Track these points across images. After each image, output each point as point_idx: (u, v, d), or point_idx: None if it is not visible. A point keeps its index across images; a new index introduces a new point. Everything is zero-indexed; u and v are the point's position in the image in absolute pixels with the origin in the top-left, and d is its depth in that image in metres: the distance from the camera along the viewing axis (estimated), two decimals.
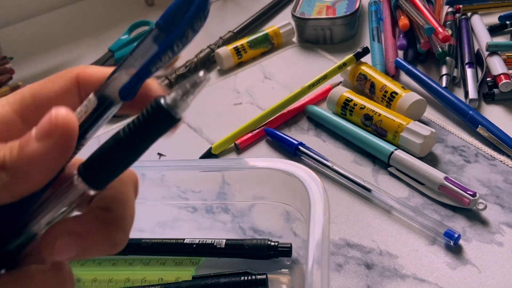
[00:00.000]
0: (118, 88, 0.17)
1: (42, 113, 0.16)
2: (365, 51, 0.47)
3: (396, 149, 0.38)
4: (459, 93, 0.45)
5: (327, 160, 0.40)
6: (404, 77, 0.48)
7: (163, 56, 0.16)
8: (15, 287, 0.17)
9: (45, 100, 0.18)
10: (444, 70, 0.46)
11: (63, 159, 0.16)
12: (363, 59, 0.47)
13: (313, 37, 0.56)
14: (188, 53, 0.58)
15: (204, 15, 0.17)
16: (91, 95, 0.18)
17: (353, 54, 0.47)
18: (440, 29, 0.46)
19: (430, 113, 0.44)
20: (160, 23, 0.16)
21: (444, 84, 0.45)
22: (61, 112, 0.16)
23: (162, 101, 0.15)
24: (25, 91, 0.19)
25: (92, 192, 0.17)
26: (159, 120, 0.16)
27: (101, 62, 0.59)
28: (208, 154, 0.44)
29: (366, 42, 0.55)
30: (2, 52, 0.63)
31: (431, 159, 0.39)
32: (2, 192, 0.16)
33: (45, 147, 0.16)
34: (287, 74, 0.53)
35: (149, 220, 0.39)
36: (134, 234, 0.36)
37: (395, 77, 0.48)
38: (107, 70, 0.19)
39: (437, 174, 0.36)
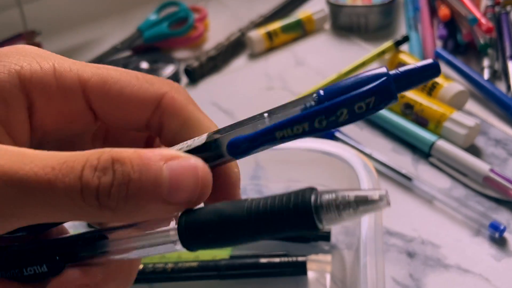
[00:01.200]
0: (229, 139, 0.15)
1: (110, 104, 0.16)
2: (405, 39, 0.46)
3: (438, 139, 0.38)
4: (500, 87, 0.44)
5: (366, 148, 0.39)
6: (442, 68, 0.47)
7: (298, 125, 0.14)
8: None
9: (122, 98, 0.16)
10: (485, 63, 0.45)
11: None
12: (401, 48, 0.46)
13: (347, 25, 0.55)
14: (218, 36, 0.57)
15: (378, 102, 0.13)
16: (205, 134, 0.16)
17: (392, 42, 0.46)
18: (483, 20, 0.45)
19: (471, 106, 0.43)
20: (321, 94, 0.14)
21: (486, 77, 0.44)
22: (207, 176, 0.14)
23: (312, 198, 0.12)
24: (110, 75, 0.17)
25: (178, 248, 0.15)
26: (296, 218, 0.13)
27: (130, 41, 0.58)
28: None
29: (401, 31, 0.54)
30: (29, 26, 0.62)
31: (474, 152, 0.38)
32: (88, 217, 0.15)
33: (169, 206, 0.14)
34: (320, 61, 0.52)
35: None
36: None
37: None
38: (192, 111, 0.17)
39: (482, 166, 0.35)
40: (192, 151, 0.16)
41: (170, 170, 0.14)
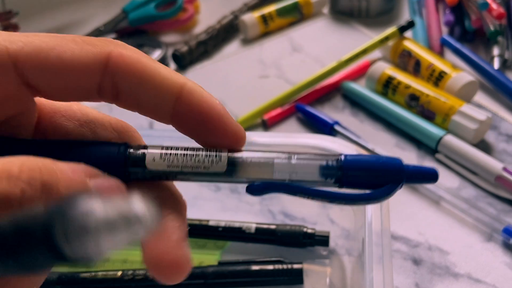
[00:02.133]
0: (252, 181, 0.15)
1: (50, 75, 0.14)
2: (410, 24, 0.42)
3: (446, 134, 0.35)
4: (511, 77, 0.41)
5: (367, 143, 0.36)
6: (449, 56, 0.44)
7: (317, 198, 0.16)
8: None
9: (63, 65, 0.14)
10: (495, 51, 0.42)
11: None
12: (405, 35, 0.43)
13: (347, 9, 0.52)
14: (209, 19, 0.54)
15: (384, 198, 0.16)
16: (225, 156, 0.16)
17: (397, 27, 0.42)
18: (494, 5, 0.42)
19: (480, 97, 0.40)
20: (344, 160, 0.15)
21: (496, 66, 0.41)
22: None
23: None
24: (44, 42, 0.14)
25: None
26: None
27: (114, 23, 0.54)
28: None
29: (405, 16, 0.51)
30: (7, 6, 0.58)
31: (483, 148, 0.35)
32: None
33: None
34: (318, 47, 0.49)
35: None
36: None
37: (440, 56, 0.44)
38: (147, 64, 0.15)
39: (494, 164, 0.32)
40: (205, 174, 0.16)
41: (95, 186, 0.13)
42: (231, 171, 0.15)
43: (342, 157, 0.15)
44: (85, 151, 0.15)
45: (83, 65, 0.14)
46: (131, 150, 0.15)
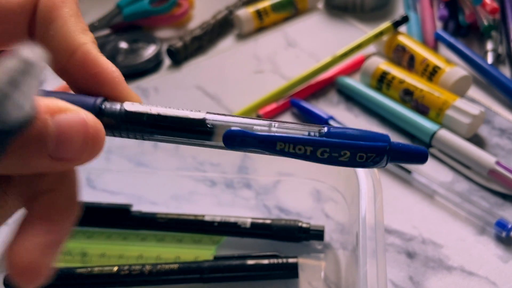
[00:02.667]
0: (225, 130, 0.15)
1: None
2: (405, 19, 0.42)
3: (439, 128, 0.35)
4: (505, 71, 0.42)
5: None
6: (443, 50, 0.44)
7: (301, 146, 0.15)
8: None
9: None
10: (489, 46, 0.42)
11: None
12: (399, 30, 0.43)
13: (341, 4, 0.52)
14: (204, 14, 0.53)
15: (376, 160, 0.15)
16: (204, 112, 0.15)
17: (391, 22, 0.42)
18: (487, 0, 0.42)
19: (474, 92, 0.40)
20: (327, 131, 0.15)
21: (490, 61, 0.41)
22: (98, 132, 0.13)
23: None
24: None
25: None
26: None
27: (108, 18, 0.54)
28: None
29: (399, 11, 0.51)
30: None
31: (477, 142, 0.35)
32: None
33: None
34: (313, 43, 0.49)
35: (163, 192, 0.36)
36: (146, 207, 0.33)
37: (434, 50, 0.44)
38: (62, 14, 0.15)
39: (487, 158, 0.32)
40: (182, 121, 0.15)
41: (57, 125, 0.13)
42: (210, 133, 0.15)
43: (325, 129, 0.15)
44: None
45: (8, 10, 0.15)
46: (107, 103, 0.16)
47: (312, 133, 0.15)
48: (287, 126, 0.15)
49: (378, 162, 0.15)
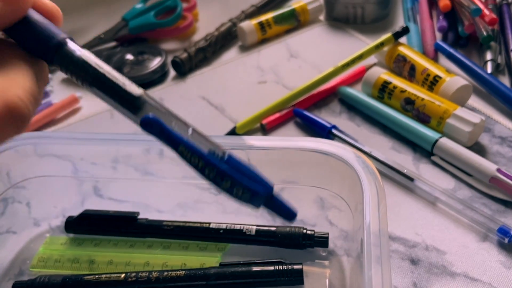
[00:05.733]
0: (145, 113, 0.17)
1: None
2: (405, 30, 0.43)
3: (441, 137, 0.35)
4: (504, 81, 0.42)
5: (364, 146, 0.37)
6: (443, 61, 0.45)
7: (195, 158, 0.17)
8: None
9: None
10: (488, 56, 0.43)
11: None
12: (400, 41, 0.44)
13: (343, 16, 0.53)
14: (208, 26, 0.55)
15: (249, 198, 0.18)
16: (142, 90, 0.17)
17: (391, 33, 0.43)
18: (486, 11, 0.43)
19: (473, 101, 0.41)
20: (229, 158, 0.17)
21: (489, 70, 0.42)
22: None
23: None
24: None
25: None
26: None
27: (114, 31, 0.55)
28: (232, 134, 0.41)
29: (400, 23, 0.52)
30: None
31: (478, 150, 0.36)
32: None
33: None
34: (315, 54, 0.50)
35: (169, 200, 0.36)
36: (152, 214, 0.34)
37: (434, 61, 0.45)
38: None
39: (488, 165, 0.33)
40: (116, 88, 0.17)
41: None
42: (138, 107, 0.17)
43: (226, 156, 0.17)
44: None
45: None
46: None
47: (215, 153, 0.17)
48: (200, 137, 0.17)
49: (250, 201, 0.17)
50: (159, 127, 0.17)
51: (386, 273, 0.22)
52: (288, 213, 0.18)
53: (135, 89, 0.18)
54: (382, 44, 0.43)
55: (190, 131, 0.17)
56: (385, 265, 0.22)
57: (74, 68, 0.17)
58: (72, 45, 0.18)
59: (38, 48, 0.17)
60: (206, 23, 0.56)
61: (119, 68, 0.50)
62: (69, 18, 0.61)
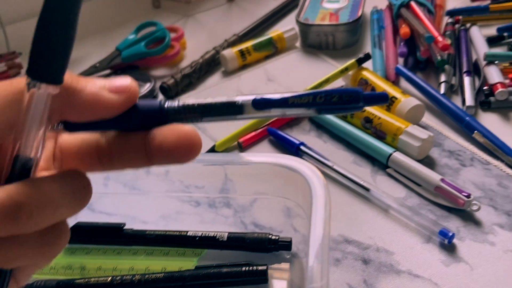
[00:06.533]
0: (253, 98, 0.20)
1: None
2: (367, 57, 0.48)
3: (394, 151, 0.40)
4: (457, 100, 0.47)
5: (328, 160, 0.41)
6: (404, 83, 0.50)
7: (305, 97, 0.20)
8: (19, 194, 0.16)
9: None
10: (442, 78, 0.48)
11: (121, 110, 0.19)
12: (364, 65, 0.49)
13: (316, 43, 0.58)
14: (194, 54, 0.60)
15: (356, 100, 0.20)
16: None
17: (355, 59, 0.48)
18: (439, 38, 0.48)
19: (428, 118, 0.45)
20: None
21: (442, 91, 0.47)
22: (135, 83, 0.19)
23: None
24: None
25: (53, 90, 0.17)
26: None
27: (108, 60, 0.60)
28: (212, 151, 0.45)
29: (368, 48, 0.57)
30: (11, 47, 0.64)
31: (429, 162, 0.40)
32: (55, 115, 0.18)
33: (111, 99, 0.19)
34: (290, 77, 0.55)
35: (153, 213, 0.40)
36: (138, 225, 0.38)
37: (395, 83, 0.49)
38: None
39: (433, 176, 0.37)
40: (216, 106, 0.20)
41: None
42: (240, 112, 0.20)
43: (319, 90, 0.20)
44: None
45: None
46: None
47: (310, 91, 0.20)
48: (298, 98, 0.20)
49: (357, 102, 0.19)
50: (264, 103, 0.20)
51: (325, 267, 0.26)
52: (381, 96, 0.20)
53: (231, 99, 0.20)
54: (346, 69, 0.48)
55: (287, 94, 0.20)
56: (324, 260, 0.26)
57: (184, 116, 0.20)
58: (168, 103, 0.20)
59: (151, 122, 0.20)
60: (193, 51, 0.61)
61: None
62: None
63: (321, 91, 0.20)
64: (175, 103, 0.20)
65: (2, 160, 0.18)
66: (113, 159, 0.20)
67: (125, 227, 0.37)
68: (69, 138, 0.21)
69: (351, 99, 0.19)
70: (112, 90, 0.19)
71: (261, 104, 0.20)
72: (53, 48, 0.17)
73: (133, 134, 0.20)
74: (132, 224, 0.38)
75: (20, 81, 0.18)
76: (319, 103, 0.20)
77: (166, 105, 0.20)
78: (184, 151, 0.19)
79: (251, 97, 0.20)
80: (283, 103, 0.20)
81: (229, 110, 0.20)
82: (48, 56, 0.17)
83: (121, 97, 0.19)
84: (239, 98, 0.20)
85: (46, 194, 0.17)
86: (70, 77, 0.18)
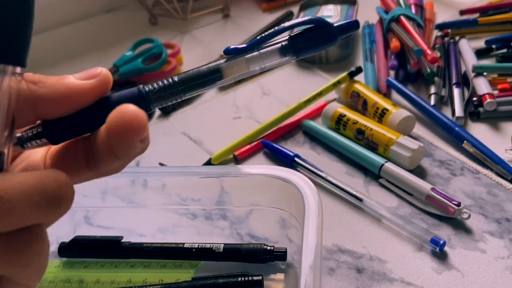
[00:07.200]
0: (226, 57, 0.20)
1: None
2: (359, 70, 0.49)
3: (386, 162, 0.41)
4: (447, 112, 0.48)
5: (322, 171, 0.42)
6: (395, 95, 0.51)
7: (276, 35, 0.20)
8: None
9: None
10: (432, 90, 0.49)
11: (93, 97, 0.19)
12: (356, 78, 0.50)
13: (309, 57, 0.59)
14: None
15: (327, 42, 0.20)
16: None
17: (347, 73, 0.49)
18: (428, 51, 0.49)
19: (419, 129, 0.46)
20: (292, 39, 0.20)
21: (432, 103, 0.48)
22: (106, 70, 0.20)
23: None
24: None
25: (16, 70, 0.17)
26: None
27: None
28: (208, 164, 0.46)
29: (360, 62, 0.58)
30: None
31: (420, 172, 0.41)
32: (27, 108, 0.18)
33: (83, 84, 0.19)
34: (285, 91, 0.56)
35: (150, 226, 0.41)
36: (135, 238, 0.38)
37: (386, 95, 0.51)
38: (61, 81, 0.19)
39: (424, 185, 0.38)
40: (192, 77, 0.21)
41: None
42: (219, 76, 0.21)
43: (288, 37, 0.20)
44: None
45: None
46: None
47: (283, 43, 0.21)
48: (267, 47, 0.21)
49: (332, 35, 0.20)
50: (235, 49, 0.21)
51: (317, 276, 0.27)
52: (350, 23, 0.20)
53: (211, 65, 0.21)
54: (339, 82, 0.49)
55: (260, 49, 0.21)
56: (316, 270, 0.27)
57: (165, 94, 0.20)
58: (147, 87, 0.20)
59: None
60: (189, 67, 0.62)
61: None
62: (66, 65, 0.68)
63: (291, 25, 0.20)
64: (153, 84, 0.20)
65: None
66: (99, 158, 0.19)
67: (122, 240, 0.38)
68: (56, 146, 0.21)
69: (325, 33, 0.20)
70: (83, 77, 0.19)
71: (232, 51, 0.20)
72: (12, 30, 0.17)
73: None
74: (130, 237, 0.38)
75: None
76: (294, 39, 0.20)
77: (145, 89, 0.20)
78: (125, 127, 0.17)
79: (225, 64, 0.20)
80: (254, 45, 0.20)
81: (209, 77, 0.20)
82: (7, 36, 0.17)
83: (93, 82, 0.19)
84: (215, 63, 0.21)
85: (14, 191, 0.15)
86: (39, 75, 0.19)
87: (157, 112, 0.56)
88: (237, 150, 0.47)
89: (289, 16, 0.70)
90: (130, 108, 0.17)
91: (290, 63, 0.61)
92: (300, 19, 0.21)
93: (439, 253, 0.34)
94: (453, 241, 0.35)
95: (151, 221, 0.41)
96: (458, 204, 0.36)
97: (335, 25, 0.20)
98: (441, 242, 0.34)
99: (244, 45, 0.21)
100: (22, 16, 0.17)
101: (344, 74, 0.50)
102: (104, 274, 0.37)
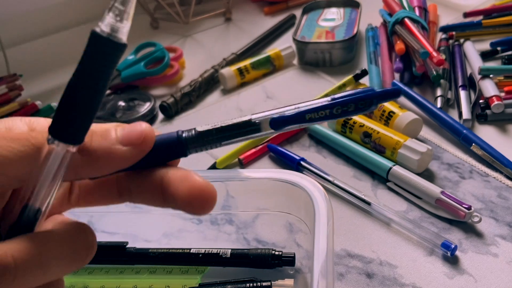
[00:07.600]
0: (270, 117, 0.20)
1: None
2: (364, 73, 0.49)
3: (394, 165, 0.40)
4: (453, 114, 0.47)
5: (328, 175, 0.41)
6: (401, 98, 0.50)
7: (322, 111, 0.20)
8: (29, 248, 0.17)
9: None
10: (438, 92, 0.49)
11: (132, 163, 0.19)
12: (361, 81, 0.50)
13: (313, 60, 0.59)
14: (193, 73, 0.60)
15: (371, 103, 0.20)
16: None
17: (352, 75, 0.49)
18: (434, 53, 0.49)
19: (426, 132, 0.46)
20: (333, 97, 0.20)
21: (439, 105, 0.47)
22: (149, 130, 0.19)
23: (97, 30, 0.17)
24: None
25: (72, 148, 0.18)
26: (102, 49, 0.17)
27: None
28: (213, 168, 0.46)
29: (364, 65, 0.58)
30: (12, 70, 0.65)
31: (428, 175, 0.41)
32: (70, 172, 0.18)
33: (125, 152, 0.18)
34: (288, 94, 0.56)
35: (155, 231, 0.40)
36: (140, 244, 0.38)
37: None
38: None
39: (434, 189, 0.37)
40: (232, 127, 0.21)
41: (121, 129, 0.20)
42: (258, 127, 0.20)
43: (330, 97, 0.20)
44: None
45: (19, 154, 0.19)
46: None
47: (325, 102, 0.20)
48: (308, 103, 0.21)
49: (371, 105, 0.20)
50: (284, 119, 0.20)
51: (330, 283, 0.26)
52: (394, 92, 0.20)
53: (244, 118, 0.21)
54: (344, 85, 0.49)
55: (300, 105, 0.20)
56: (329, 275, 0.26)
57: (203, 142, 0.20)
58: (186, 133, 0.21)
59: (171, 155, 0.20)
60: (192, 70, 0.62)
61: (112, 114, 0.55)
62: (68, 70, 0.67)
63: (337, 103, 0.20)
64: (191, 131, 0.21)
65: (11, 207, 0.18)
66: (132, 195, 0.20)
67: (127, 246, 0.37)
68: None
69: (365, 104, 0.20)
70: (125, 143, 0.19)
71: (278, 122, 0.20)
72: (79, 113, 0.17)
73: (153, 173, 0.19)
74: (135, 243, 0.38)
75: (38, 137, 0.18)
76: (336, 114, 0.20)
77: (184, 135, 0.20)
78: (197, 205, 0.19)
79: (267, 115, 0.20)
80: (299, 119, 0.20)
81: (246, 130, 0.20)
82: (72, 119, 0.17)
83: (135, 150, 0.19)
84: (255, 117, 0.20)
85: (43, 256, 0.17)
86: None
87: (160, 115, 0.56)
88: (242, 154, 0.46)
89: (291, 19, 0.70)
90: (205, 186, 0.19)
91: (294, 66, 0.61)
92: (349, 98, 0.20)
93: (451, 258, 0.34)
94: (464, 245, 0.35)
95: (156, 226, 0.41)
96: (469, 208, 0.35)
97: (377, 93, 0.20)
98: (453, 246, 0.33)
99: (292, 114, 0.20)
100: (93, 104, 0.18)
101: (350, 76, 0.49)
102: (109, 281, 0.36)
